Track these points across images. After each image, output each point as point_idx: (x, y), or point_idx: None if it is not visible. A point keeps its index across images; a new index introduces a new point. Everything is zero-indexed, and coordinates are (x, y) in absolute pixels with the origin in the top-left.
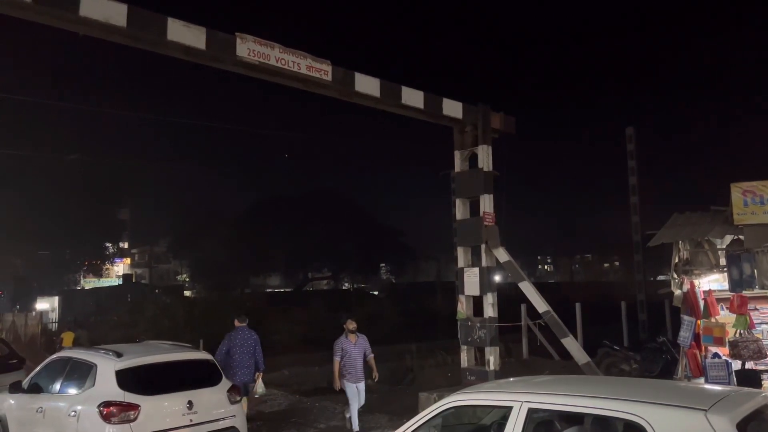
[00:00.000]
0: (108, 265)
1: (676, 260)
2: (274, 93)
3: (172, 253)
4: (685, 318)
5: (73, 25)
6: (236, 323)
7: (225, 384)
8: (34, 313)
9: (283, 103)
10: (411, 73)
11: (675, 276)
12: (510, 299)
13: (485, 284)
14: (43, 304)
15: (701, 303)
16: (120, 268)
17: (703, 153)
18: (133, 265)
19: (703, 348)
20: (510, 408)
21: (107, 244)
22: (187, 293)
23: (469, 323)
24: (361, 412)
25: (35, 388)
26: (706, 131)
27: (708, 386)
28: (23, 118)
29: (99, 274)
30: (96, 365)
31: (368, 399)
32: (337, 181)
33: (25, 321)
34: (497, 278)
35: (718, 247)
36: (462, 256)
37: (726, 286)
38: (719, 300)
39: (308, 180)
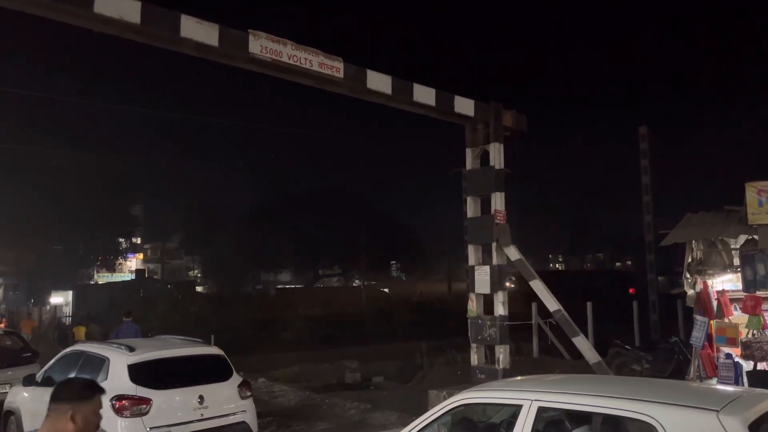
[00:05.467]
0: (121, 261)
1: (689, 260)
2: (286, 90)
3: (184, 248)
4: (698, 318)
5: (87, 21)
6: (123, 318)
7: (236, 379)
8: (48, 307)
9: (295, 101)
10: (422, 71)
11: (688, 276)
12: (516, 296)
13: (496, 282)
14: (57, 299)
15: (714, 303)
16: (133, 263)
17: (717, 152)
18: (145, 261)
19: (715, 348)
20: (520, 406)
21: (120, 240)
22: (198, 289)
23: (480, 321)
24: (371, 409)
25: (49, 382)
26: (721, 129)
27: (720, 387)
28: (38, 115)
29: (112, 269)
30: (108, 359)
31: (378, 396)
32: (348, 179)
33: (39, 315)
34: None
35: (732, 247)
36: (473, 254)
37: (739, 286)
38: (732, 300)
39: (319, 178)
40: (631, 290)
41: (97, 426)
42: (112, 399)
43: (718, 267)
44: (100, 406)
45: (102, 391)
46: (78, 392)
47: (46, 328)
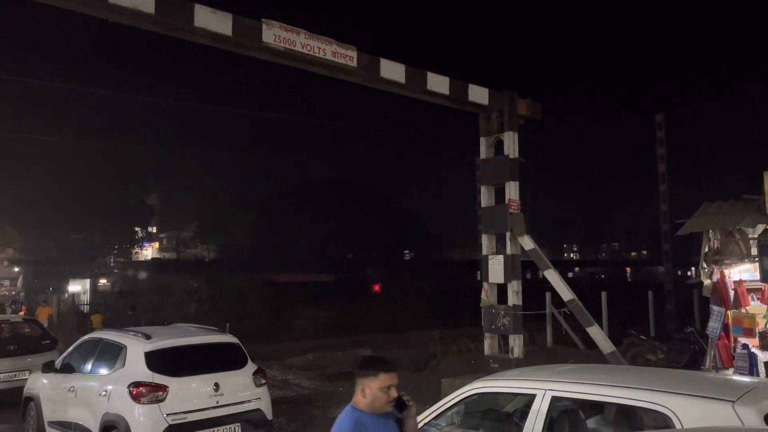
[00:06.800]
0: (137, 249)
1: (706, 250)
2: (300, 79)
3: (199, 237)
4: (715, 308)
5: (102, 12)
6: (128, 311)
7: (251, 367)
8: (66, 295)
9: (309, 90)
10: (435, 59)
11: (705, 266)
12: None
13: (510, 272)
14: (75, 287)
15: (731, 293)
16: (149, 252)
17: (735, 140)
18: (161, 249)
19: (732, 339)
20: (533, 396)
21: (136, 229)
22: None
23: (493, 311)
24: None
25: (67, 368)
26: (739, 117)
27: (736, 378)
28: (57, 105)
29: (128, 257)
30: (126, 347)
31: None
32: (361, 168)
33: (58, 303)
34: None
35: (750, 236)
36: (486, 243)
37: (757, 276)
38: (750, 290)
39: (333, 167)
40: (376, 287)
41: (390, 402)
42: (129, 385)
43: (736, 257)
44: (387, 383)
45: (387, 369)
46: (363, 369)
47: (64, 315)
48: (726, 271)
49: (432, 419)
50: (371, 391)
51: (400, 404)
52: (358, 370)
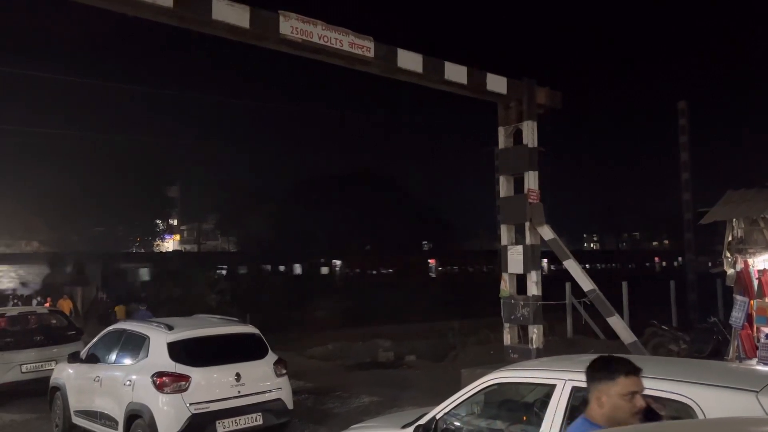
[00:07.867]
0: (158, 242)
1: (730, 239)
2: (319, 71)
3: (219, 230)
4: (738, 298)
5: (121, 6)
6: (140, 307)
7: (271, 357)
8: (92, 287)
9: (329, 82)
10: (453, 48)
11: (728, 255)
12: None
13: (529, 262)
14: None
15: (755, 283)
16: (170, 244)
17: (760, 127)
18: (182, 242)
19: (755, 329)
20: (553, 386)
21: (158, 221)
22: None
23: (513, 301)
24: (404, 387)
25: (92, 359)
26: (763, 105)
27: (759, 368)
28: (80, 99)
29: (150, 250)
30: (149, 337)
31: (411, 375)
32: (380, 159)
33: (81, 295)
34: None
35: None
36: (506, 233)
37: None
38: None
39: (352, 158)
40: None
41: (636, 413)
42: (153, 375)
43: (760, 246)
44: (630, 389)
45: (628, 371)
46: (597, 372)
47: (89, 307)
48: (750, 260)
49: (452, 409)
50: (609, 399)
51: (651, 415)
52: (591, 374)
